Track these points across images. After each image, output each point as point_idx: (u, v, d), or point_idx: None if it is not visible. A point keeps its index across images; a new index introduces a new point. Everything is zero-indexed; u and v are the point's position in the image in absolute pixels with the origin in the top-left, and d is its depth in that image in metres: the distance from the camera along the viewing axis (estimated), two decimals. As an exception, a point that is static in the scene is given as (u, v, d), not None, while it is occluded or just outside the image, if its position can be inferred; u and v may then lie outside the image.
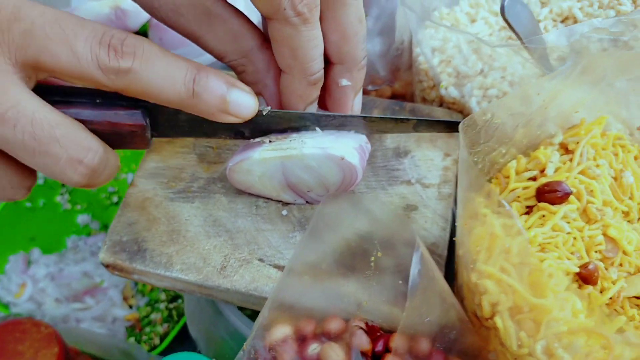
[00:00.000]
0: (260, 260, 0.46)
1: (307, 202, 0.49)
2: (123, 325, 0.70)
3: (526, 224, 0.41)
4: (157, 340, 0.67)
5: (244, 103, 0.37)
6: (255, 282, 0.44)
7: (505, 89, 0.49)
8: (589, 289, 0.40)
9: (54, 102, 0.35)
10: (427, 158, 0.50)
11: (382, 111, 0.53)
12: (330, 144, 0.44)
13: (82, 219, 0.81)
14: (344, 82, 0.43)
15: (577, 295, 0.39)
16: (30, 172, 0.37)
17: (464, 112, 0.53)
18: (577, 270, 0.39)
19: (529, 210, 0.43)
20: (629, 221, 0.44)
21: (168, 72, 0.35)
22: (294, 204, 0.49)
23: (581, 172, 0.43)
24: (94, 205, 0.82)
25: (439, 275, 0.38)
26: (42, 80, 0.35)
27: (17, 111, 0.32)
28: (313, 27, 0.38)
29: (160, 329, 0.67)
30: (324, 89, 0.44)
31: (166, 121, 0.39)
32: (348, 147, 0.44)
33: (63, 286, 0.72)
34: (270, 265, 0.45)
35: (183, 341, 0.65)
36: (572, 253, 0.40)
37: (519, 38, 0.45)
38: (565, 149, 0.46)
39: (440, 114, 0.53)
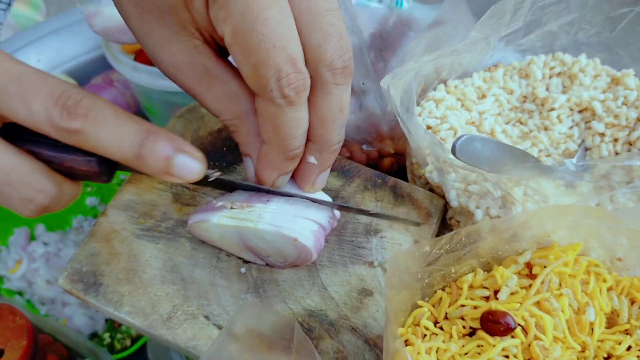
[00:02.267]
0: (206, 317, 0.46)
1: (267, 264, 0.49)
2: (104, 317, 0.73)
3: (462, 350, 0.40)
4: (128, 342, 0.69)
5: (188, 168, 0.38)
6: (196, 340, 0.45)
7: (487, 188, 0.47)
8: None
9: (20, 139, 0.37)
10: (396, 242, 0.49)
11: (363, 181, 0.52)
12: (287, 223, 0.43)
13: (90, 201, 0.84)
14: (312, 159, 0.43)
15: None
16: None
17: (446, 199, 0.51)
18: (500, 413, 0.38)
19: (473, 331, 0.41)
20: (584, 358, 0.42)
21: (116, 134, 0.36)
22: (254, 263, 0.49)
23: (536, 303, 0.41)
24: (103, 189, 0.85)
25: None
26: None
27: None
28: (298, 110, 0.39)
29: (134, 332, 0.70)
30: None
31: (124, 166, 0.40)
32: (304, 229, 0.44)
33: (57, 269, 0.75)
34: (214, 324, 0.46)
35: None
36: (502, 391, 0.39)
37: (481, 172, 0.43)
38: (530, 270, 0.44)
39: (421, 197, 0.51)
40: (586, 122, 0.56)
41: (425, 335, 0.41)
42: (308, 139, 0.42)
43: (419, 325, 0.42)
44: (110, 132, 0.36)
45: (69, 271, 0.48)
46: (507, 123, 0.56)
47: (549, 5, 0.53)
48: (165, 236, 0.50)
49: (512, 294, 0.42)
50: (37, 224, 0.80)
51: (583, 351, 0.42)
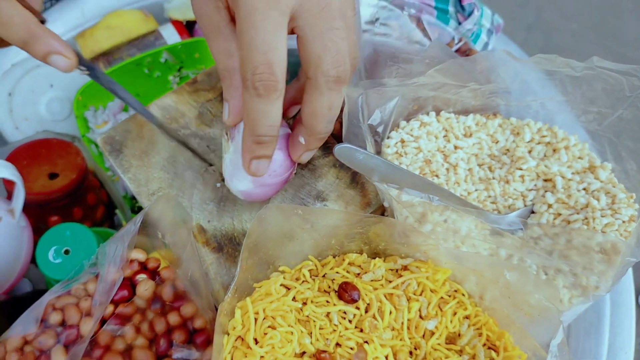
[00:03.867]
0: (177, 205, 0.62)
1: (236, 188, 0.63)
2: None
3: (315, 298, 0.51)
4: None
5: (60, 64, 0.52)
6: (162, 216, 0.61)
7: (412, 203, 0.57)
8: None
9: None
10: (333, 213, 0.61)
11: (336, 160, 0.64)
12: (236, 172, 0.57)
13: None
14: (301, 139, 0.55)
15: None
16: None
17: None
18: (313, 350, 0.50)
19: (336, 291, 0.53)
20: (416, 355, 0.52)
21: (9, 32, 0.50)
22: (229, 184, 0.63)
23: (389, 295, 0.52)
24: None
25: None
26: None
27: None
28: (265, 103, 0.48)
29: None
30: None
31: None
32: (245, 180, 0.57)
33: (129, 139, 0.95)
34: None
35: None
36: (326, 339, 0.50)
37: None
38: (404, 270, 0.54)
39: (372, 189, 0.61)
40: (545, 191, 0.63)
41: (298, 279, 0.53)
42: (301, 122, 0.54)
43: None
44: (4, 29, 0.50)
45: (106, 135, 0.66)
46: (479, 165, 0.65)
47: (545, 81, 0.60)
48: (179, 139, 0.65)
49: (375, 280, 0.53)
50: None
51: (417, 349, 0.52)
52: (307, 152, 0.57)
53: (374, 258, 0.54)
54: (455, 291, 0.54)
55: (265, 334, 0.48)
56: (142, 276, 0.55)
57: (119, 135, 0.65)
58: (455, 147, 0.64)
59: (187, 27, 1.04)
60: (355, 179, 0.63)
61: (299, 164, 0.61)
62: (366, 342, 0.51)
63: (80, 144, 0.87)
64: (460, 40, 0.81)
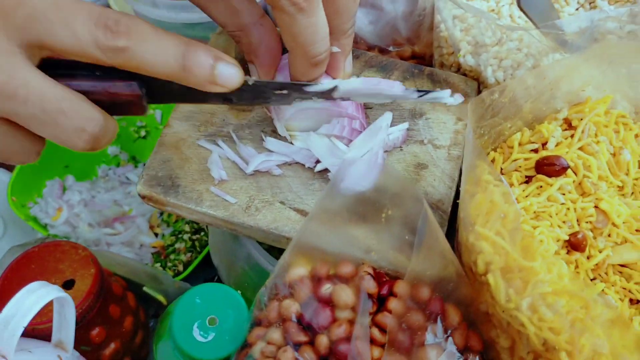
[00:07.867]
0: (282, 203, 0.50)
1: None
2: (149, 251, 0.77)
3: (524, 193, 0.45)
4: (180, 267, 0.73)
5: (230, 74, 0.38)
6: (276, 222, 0.49)
7: (519, 60, 0.52)
8: (577, 255, 0.44)
9: (57, 75, 0.37)
10: (440, 121, 0.54)
11: (402, 73, 0.57)
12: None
13: (112, 150, 0.86)
14: (334, 49, 0.47)
15: (564, 260, 0.44)
16: (40, 138, 0.39)
17: (479, 80, 0.56)
18: (567, 237, 0.43)
19: (528, 179, 0.47)
20: (622, 195, 0.48)
21: (160, 49, 0.36)
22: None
23: (580, 148, 0.47)
24: (122, 138, 0.87)
25: (440, 234, 0.42)
26: (45, 56, 0.37)
27: (27, 89, 0.35)
28: (311, 15, 0.41)
29: (184, 258, 0.73)
30: None
31: (161, 89, 0.41)
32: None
33: (95, 212, 0.78)
34: (290, 208, 0.50)
35: (204, 270, 0.71)
36: (563, 222, 0.44)
37: (534, 23, 0.48)
38: (568, 125, 0.49)
39: (457, 80, 0.56)
40: None
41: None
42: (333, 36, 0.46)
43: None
44: (154, 47, 0.36)
45: (145, 178, 0.51)
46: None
47: None
48: (229, 139, 0.53)
49: (557, 144, 0.47)
50: (66, 175, 0.82)
51: (621, 189, 0.48)
52: (346, 60, 0.49)
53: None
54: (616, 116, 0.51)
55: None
56: None
57: (160, 171, 0.51)
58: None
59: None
60: (434, 79, 0.56)
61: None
62: (596, 206, 0.45)
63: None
64: None
